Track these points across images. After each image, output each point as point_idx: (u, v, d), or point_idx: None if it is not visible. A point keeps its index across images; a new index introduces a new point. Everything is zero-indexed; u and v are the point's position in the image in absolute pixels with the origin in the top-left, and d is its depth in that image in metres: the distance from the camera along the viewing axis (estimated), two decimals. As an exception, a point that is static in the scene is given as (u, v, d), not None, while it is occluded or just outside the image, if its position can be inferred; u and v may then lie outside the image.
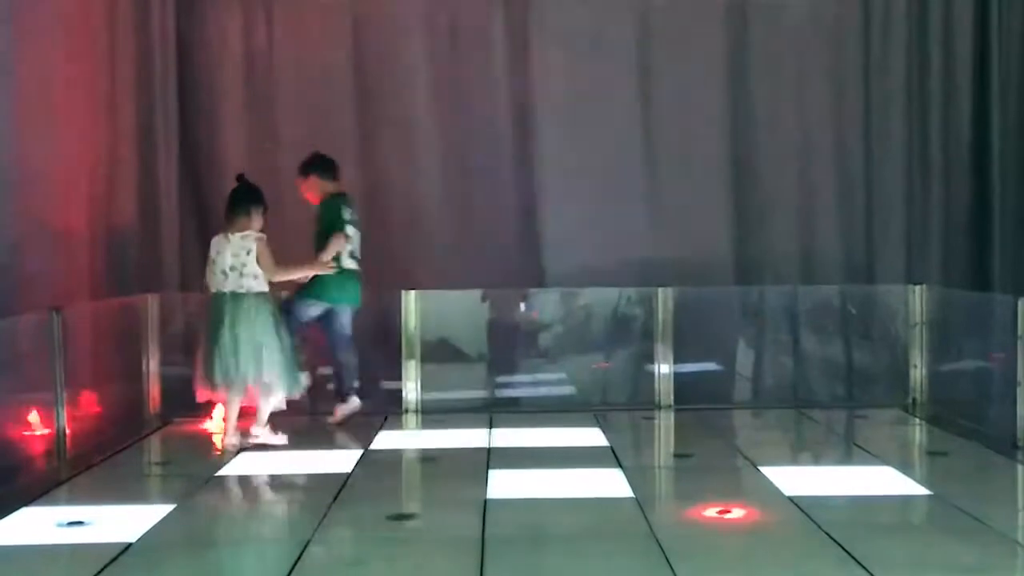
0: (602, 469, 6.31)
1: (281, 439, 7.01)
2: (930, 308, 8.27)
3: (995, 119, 8.78)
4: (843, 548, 4.72)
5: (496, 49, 8.87)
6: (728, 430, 7.79)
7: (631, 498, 5.66)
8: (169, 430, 7.67)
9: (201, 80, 8.69)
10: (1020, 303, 6.71)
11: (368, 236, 7.79)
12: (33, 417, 6.69)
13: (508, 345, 8.77)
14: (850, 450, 7.33)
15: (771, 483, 5.93)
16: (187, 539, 5.16)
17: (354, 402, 7.67)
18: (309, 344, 7.64)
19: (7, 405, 6.60)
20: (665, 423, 7.97)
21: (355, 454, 6.77)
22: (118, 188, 8.10)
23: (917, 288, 8.37)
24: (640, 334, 8.56)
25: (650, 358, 8.31)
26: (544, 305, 8.90)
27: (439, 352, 8.40)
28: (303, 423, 7.55)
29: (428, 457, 6.98)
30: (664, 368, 8.24)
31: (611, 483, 5.99)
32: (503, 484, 5.94)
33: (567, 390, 8.70)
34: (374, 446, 7.09)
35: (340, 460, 6.59)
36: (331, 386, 7.81)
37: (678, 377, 8.25)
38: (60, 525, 5.24)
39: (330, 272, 7.32)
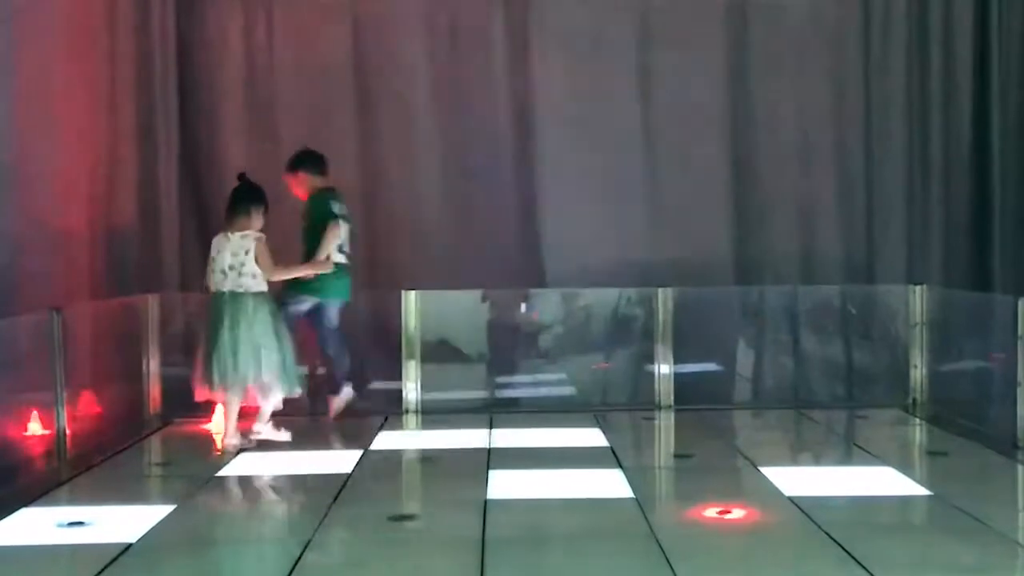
0: (602, 469, 6.30)
1: (284, 436, 7.03)
2: (930, 308, 8.27)
3: (995, 119, 8.78)
4: (843, 548, 4.72)
5: (496, 49, 8.86)
6: (728, 430, 7.79)
7: (631, 498, 5.66)
8: (169, 430, 7.67)
9: (201, 80, 8.69)
10: (1020, 303, 6.71)
11: (368, 236, 7.79)
12: (33, 417, 6.69)
13: (508, 345, 8.77)
14: (850, 450, 7.33)
15: (771, 483, 5.92)
16: (187, 540, 5.16)
17: (347, 391, 7.70)
18: (306, 343, 7.65)
19: (7, 405, 6.59)
20: (665, 423, 7.97)
21: (355, 454, 6.77)
22: (118, 188, 8.10)
23: (917, 288, 8.37)
24: (640, 334, 8.55)
25: (650, 358, 8.31)
26: (544, 305, 8.90)
27: (439, 352, 8.40)
28: (303, 423, 7.54)
29: (428, 457, 6.98)
30: (664, 368, 8.24)
31: (611, 483, 5.99)
32: (503, 484, 5.93)
33: (567, 390, 8.70)
34: (374, 446, 7.09)
35: (340, 460, 6.58)
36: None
37: (678, 377, 8.25)
38: (60, 525, 5.23)
39: (328, 271, 7.32)
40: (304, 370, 7.27)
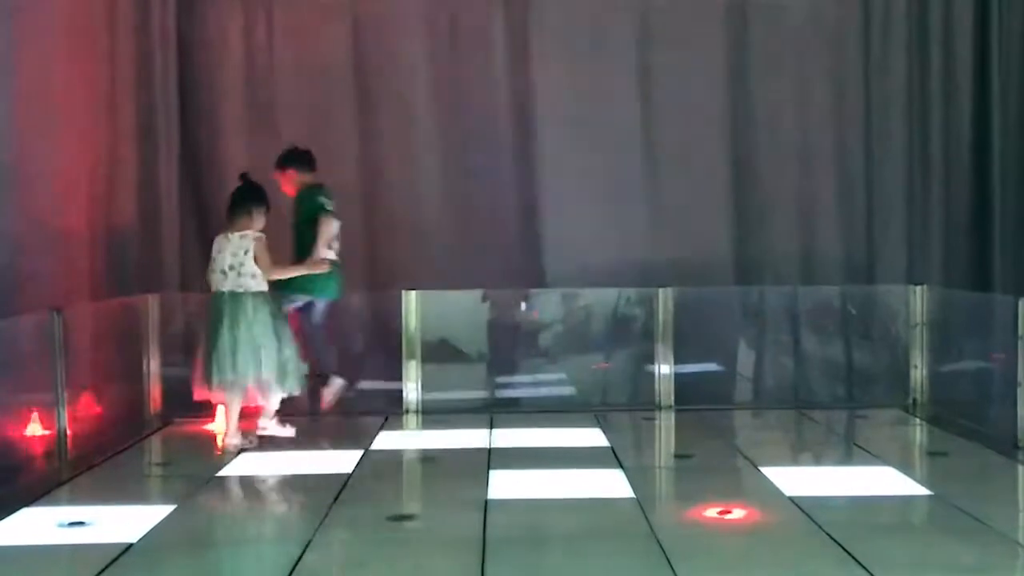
0: (603, 469, 6.31)
1: (289, 431, 7.06)
2: (930, 308, 8.27)
3: (995, 119, 8.78)
4: (843, 548, 4.72)
5: (496, 49, 8.86)
6: (728, 430, 7.79)
7: (632, 498, 5.66)
8: (170, 430, 7.67)
9: (201, 80, 8.68)
10: (1020, 303, 6.71)
11: (368, 236, 7.77)
12: (34, 417, 6.69)
13: (508, 345, 8.77)
14: (850, 450, 7.33)
15: (771, 483, 5.93)
16: (188, 539, 5.16)
17: (336, 382, 7.67)
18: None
19: (8, 405, 6.59)
20: (665, 423, 7.97)
21: (355, 454, 6.77)
22: (118, 188, 8.09)
23: (917, 288, 8.37)
24: (640, 334, 8.56)
25: (650, 358, 8.31)
26: (544, 305, 8.90)
27: (439, 352, 8.40)
28: (303, 423, 7.54)
29: (428, 457, 6.98)
30: (664, 368, 8.24)
31: (612, 483, 5.99)
32: (503, 484, 5.94)
33: (567, 390, 8.70)
34: (374, 446, 7.09)
35: (340, 460, 6.58)
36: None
37: (678, 377, 8.25)
38: (61, 525, 5.24)
39: (324, 271, 7.30)
40: (305, 369, 7.25)
